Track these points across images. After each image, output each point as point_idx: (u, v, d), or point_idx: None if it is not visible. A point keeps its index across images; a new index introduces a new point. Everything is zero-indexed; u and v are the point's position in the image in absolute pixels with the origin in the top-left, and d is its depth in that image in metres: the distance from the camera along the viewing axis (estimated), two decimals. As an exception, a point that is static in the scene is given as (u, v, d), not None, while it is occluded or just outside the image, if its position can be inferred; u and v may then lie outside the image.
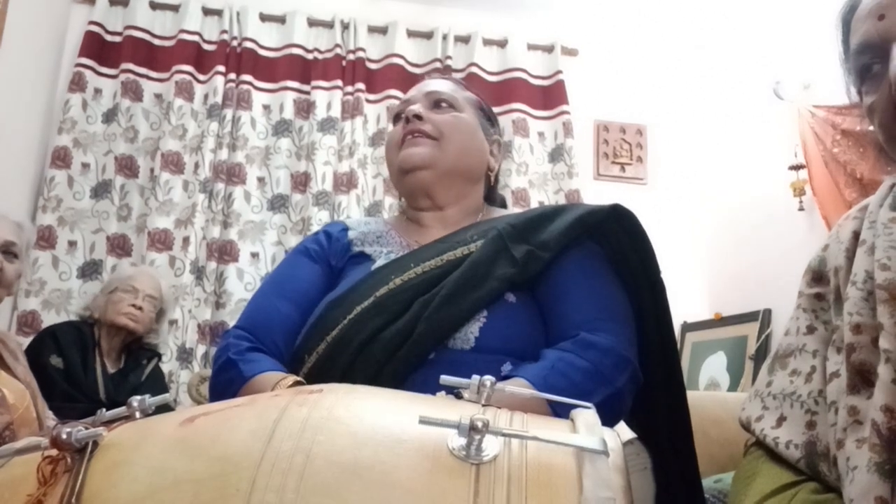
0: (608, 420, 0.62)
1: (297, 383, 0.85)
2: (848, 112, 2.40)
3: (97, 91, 3.01)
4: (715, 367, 2.94)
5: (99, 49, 3.04)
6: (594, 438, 0.52)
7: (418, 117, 1.09)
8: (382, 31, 3.29)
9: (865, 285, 0.69)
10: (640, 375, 0.90)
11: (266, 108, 3.14)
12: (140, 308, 2.33)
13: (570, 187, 3.17)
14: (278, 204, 3.05)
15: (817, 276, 0.81)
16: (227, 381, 0.92)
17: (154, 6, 3.14)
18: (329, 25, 3.23)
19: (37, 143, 2.90)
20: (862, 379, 0.65)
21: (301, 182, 3.04)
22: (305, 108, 3.13)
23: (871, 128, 0.76)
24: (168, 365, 2.63)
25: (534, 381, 0.81)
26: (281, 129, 3.11)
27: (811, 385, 0.73)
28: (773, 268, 2.80)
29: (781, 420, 0.73)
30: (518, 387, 0.77)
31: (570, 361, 0.85)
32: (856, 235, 0.76)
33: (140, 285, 2.37)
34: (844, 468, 0.61)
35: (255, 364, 0.92)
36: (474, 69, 3.25)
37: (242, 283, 2.90)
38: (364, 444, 0.52)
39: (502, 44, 3.35)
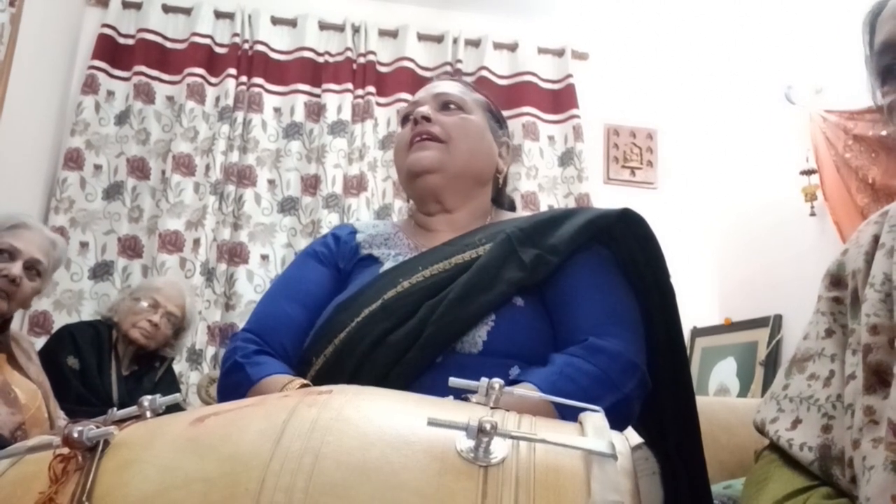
0: (616, 426, 0.62)
1: (304, 386, 0.85)
2: (860, 117, 2.39)
3: (110, 93, 3.03)
4: (725, 372, 2.92)
5: (112, 51, 3.07)
6: (603, 442, 0.52)
7: (427, 119, 1.08)
8: (393, 34, 3.30)
9: (883, 287, 0.69)
10: (649, 381, 0.89)
11: (277, 110, 3.15)
12: (156, 325, 2.31)
13: (580, 191, 3.17)
14: (288, 206, 3.06)
15: (836, 279, 0.81)
16: (234, 385, 0.92)
17: (167, 9, 3.16)
18: (340, 29, 3.25)
19: (49, 145, 2.93)
20: (878, 379, 0.65)
21: (311, 185, 3.05)
22: (316, 111, 3.14)
23: (884, 132, 0.77)
24: (178, 366, 2.64)
25: (542, 385, 0.81)
26: (291, 131, 3.12)
27: (829, 389, 0.73)
28: (783, 273, 2.78)
29: (797, 423, 0.73)
30: (526, 390, 0.77)
31: (579, 366, 0.85)
32: (876, 239, 0.76)
33: (163, 300, 2.35)
34: (860, 468, 0.61)
35: (262, 367, 0.92)
36: (484, 73, 3.25)
37: (252, 285, 2.91)
38: (373, 444, 0.52)
39: (512, 48, 3.35)
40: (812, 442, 0.70)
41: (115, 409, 0.62)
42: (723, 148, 3.30)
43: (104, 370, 2.24)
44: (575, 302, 0.94)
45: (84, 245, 2.87)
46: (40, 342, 2.37)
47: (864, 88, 0.82)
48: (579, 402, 0.64)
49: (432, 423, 0.51)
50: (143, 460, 0.53)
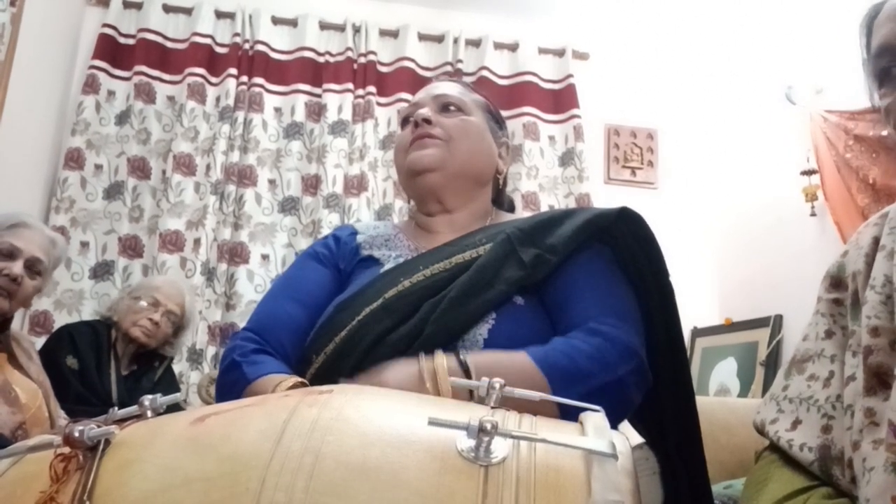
0: (610, 410, 0.61)
1: (298, 384, 0.85)
2: (860, 117, 2.39)
3: (110, 93, 3.03)
4: (725, 372, 2.92)
5: (112, 51, 3.07)
6: (603, 441, 0.52)
7: (427, 121, 1.09)
8: (394, 34, 3.30)
9: (884, 289, 0.69)
10: (650, 374, 0.89)
11: (277, 110, 3.15)
12: (157, 323, 2.31)
13: (581, 191, 3.17)
14: (289, 206, 3.06)
15: (836, 281, 0.81)
16: (231, 383, 0.93)
17: (167, 9, 3.16)
18: (340, 28, 3.25)
19: (50, 145, 2.93)
20: (879, 381, 0.65)
21: (312, 185, 3.05)
22: (316, 111, 3.14)
23: (885, 132, 0.78)
24: (178, 366, 2.64)
25: (534, 356, 0.82)
26: (292, 131, 3.12)
27: (829, 390, 0.73)
28: (784, 273, 2.78)
29: (797, 423, 0.73)
30: (526, 389, 0.77)
31: (574, 344, 0.85)
32: (876, 241, 0.76)
33: (163, 299, 2.35)
34: (861, 469, 0.61)
35: (258, 366, 0.92)
36: (485, 73, 3.25)
37: (253, 285, 2.91)
38: (373, 444, 0.52)
39: (513, 48, 3.35)
40: (812, 442, 0.70)
41: (115, 408, 0.62)
42: (723, 148, 3.30)
43: (103, 370, 2.24)
44: (574, 298, 0.95)
45: (84, 245, 2.87)
46: (41, 342, 2.37)
47: (865, 89, 0.82)
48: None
49: (433, 422, 0.51)
50: (144, 460, 0.53)
